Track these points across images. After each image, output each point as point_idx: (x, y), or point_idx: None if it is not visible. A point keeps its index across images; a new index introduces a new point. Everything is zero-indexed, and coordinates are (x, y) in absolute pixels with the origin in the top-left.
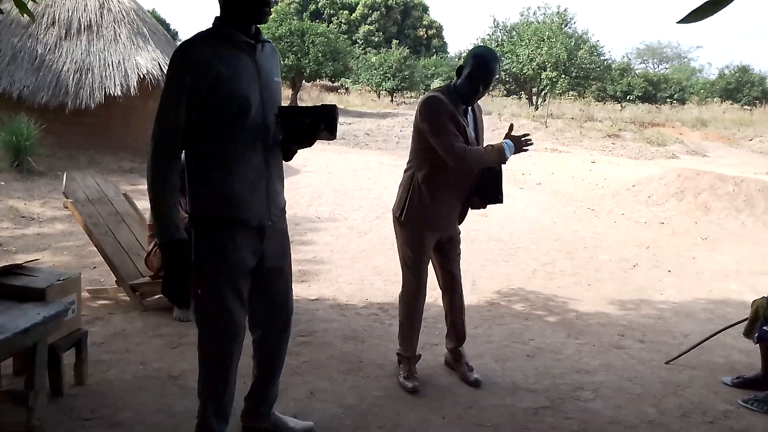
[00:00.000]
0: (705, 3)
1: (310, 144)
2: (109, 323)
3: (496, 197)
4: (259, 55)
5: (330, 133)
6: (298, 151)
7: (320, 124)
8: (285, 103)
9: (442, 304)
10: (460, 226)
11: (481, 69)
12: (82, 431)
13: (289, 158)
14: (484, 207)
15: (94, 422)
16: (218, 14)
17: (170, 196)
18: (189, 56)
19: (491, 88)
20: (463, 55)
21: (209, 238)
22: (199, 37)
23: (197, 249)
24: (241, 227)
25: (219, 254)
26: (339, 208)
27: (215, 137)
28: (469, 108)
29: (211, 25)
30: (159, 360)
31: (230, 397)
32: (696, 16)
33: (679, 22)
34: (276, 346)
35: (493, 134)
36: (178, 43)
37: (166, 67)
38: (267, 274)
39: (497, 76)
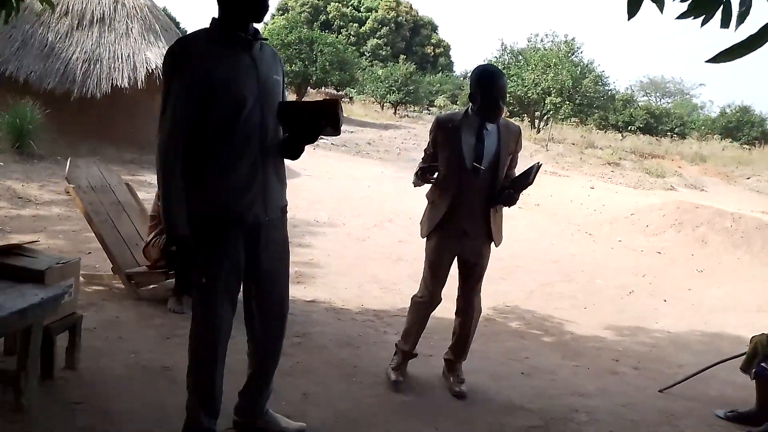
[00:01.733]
0: (737, 44)
1: (312, 141)
2: (103, 310)
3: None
4: (257, 53)
5: (334, 129)
6: (305, 148)
7: (322, 119)
8: None
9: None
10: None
11: (488, 86)
12: (70, 417)
13: (294, 157)
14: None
15: (82, 409)
16: (216, 15)
17: (178, 193)
18: (182, 54)
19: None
20: (467, 74)
21: (204, 236)
22: (192, 36)
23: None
24: (235, 226)
25: (212, 253)
26: (338, 214)
27: (211, 135)
28: (491, 127)
29: (208, 25)
30: (151, 351)
31: (219, 392)
32: (727, 56)
33: (708, 61)
34: (270, 348)
35: None
36: None
37: None
38: (264, 278)
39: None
